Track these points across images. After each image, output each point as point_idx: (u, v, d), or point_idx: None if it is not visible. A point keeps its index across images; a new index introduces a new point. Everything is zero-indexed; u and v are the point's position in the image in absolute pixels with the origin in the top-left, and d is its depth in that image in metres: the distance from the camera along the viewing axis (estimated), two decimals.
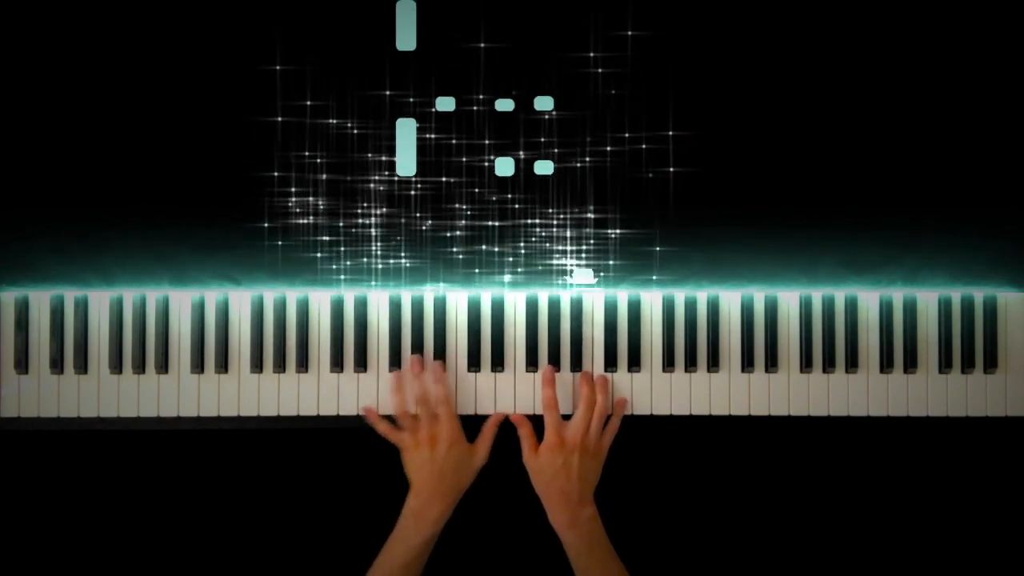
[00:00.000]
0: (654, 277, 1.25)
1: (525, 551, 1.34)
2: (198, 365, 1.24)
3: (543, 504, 1.22)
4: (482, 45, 1.23)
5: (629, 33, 1.24)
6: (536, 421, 1.24)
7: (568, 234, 1.25)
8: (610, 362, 1.26)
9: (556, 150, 1.24)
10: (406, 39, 1.24)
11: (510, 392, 1.26)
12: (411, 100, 1.23)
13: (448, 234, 1.25)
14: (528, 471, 1.23)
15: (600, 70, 1.24)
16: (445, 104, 1.24)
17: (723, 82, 1.25)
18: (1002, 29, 1.25)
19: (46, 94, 1.23)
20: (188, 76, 1.24)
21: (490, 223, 1.25)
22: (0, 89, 1.23)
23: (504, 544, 1.35)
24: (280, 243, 1.24)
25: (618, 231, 1.25)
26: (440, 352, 1.25)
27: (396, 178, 1.24)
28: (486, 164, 1.24)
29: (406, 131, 1.24)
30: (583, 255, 1.25)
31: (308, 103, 1.23)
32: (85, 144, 1.24)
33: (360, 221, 1.24)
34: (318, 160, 1.24)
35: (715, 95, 1.25)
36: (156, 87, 1.24)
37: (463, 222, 1.25)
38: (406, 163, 1.24)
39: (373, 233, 1.24)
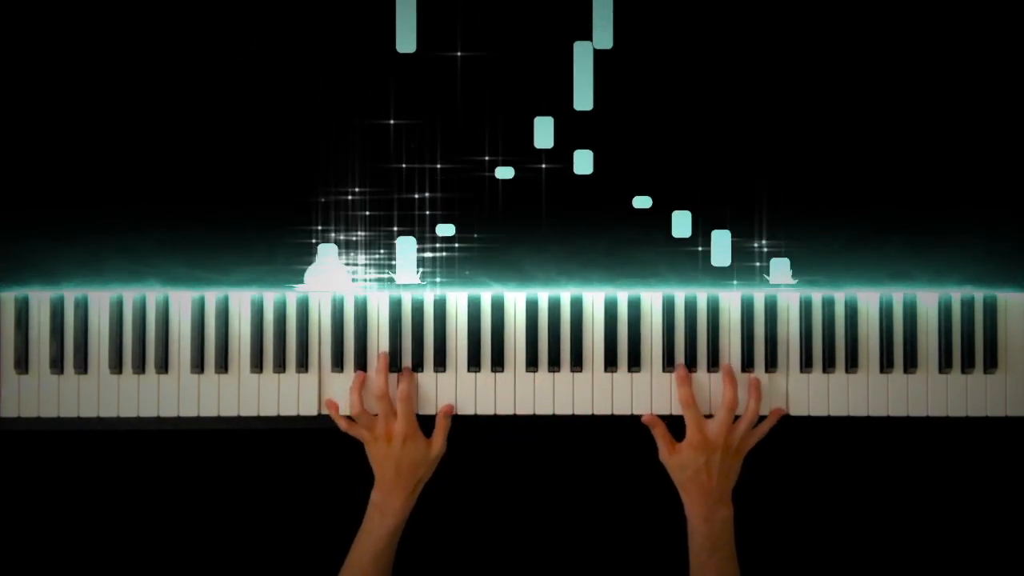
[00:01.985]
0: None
1: (520, 548, 1.34)
2: (198, 365, 1.24)
3: (680, 495, 1.23)
4: None
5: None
6: (535, 421, 1.24)
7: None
8: (610, 362, 1.26)
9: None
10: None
11: (510, 392, 1.26)
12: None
13: None
14: (666, 467, 1.24)
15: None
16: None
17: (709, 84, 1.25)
18: (998, 26, 1.25)
19: (46, 94, 1.23)
20: (185, 75, 1.24)
21: None
22: (3, 89, 1.23)
23: (497, 541, 1.35)
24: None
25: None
26: (440, 352, 1.25)
27: None
28: None
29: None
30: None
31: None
32: (85, 144, 1.23)
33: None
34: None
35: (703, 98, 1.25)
36: (156, 87, 1.24)
37: None
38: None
39: None
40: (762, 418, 1.25)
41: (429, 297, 1.26)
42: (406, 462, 1.22)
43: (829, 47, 1.25)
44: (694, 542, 1.21)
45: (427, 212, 1.24)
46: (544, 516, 1.22)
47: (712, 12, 1.24)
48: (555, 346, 1.26)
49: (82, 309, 1.24)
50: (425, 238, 1.24)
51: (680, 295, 1.26)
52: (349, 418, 1.25)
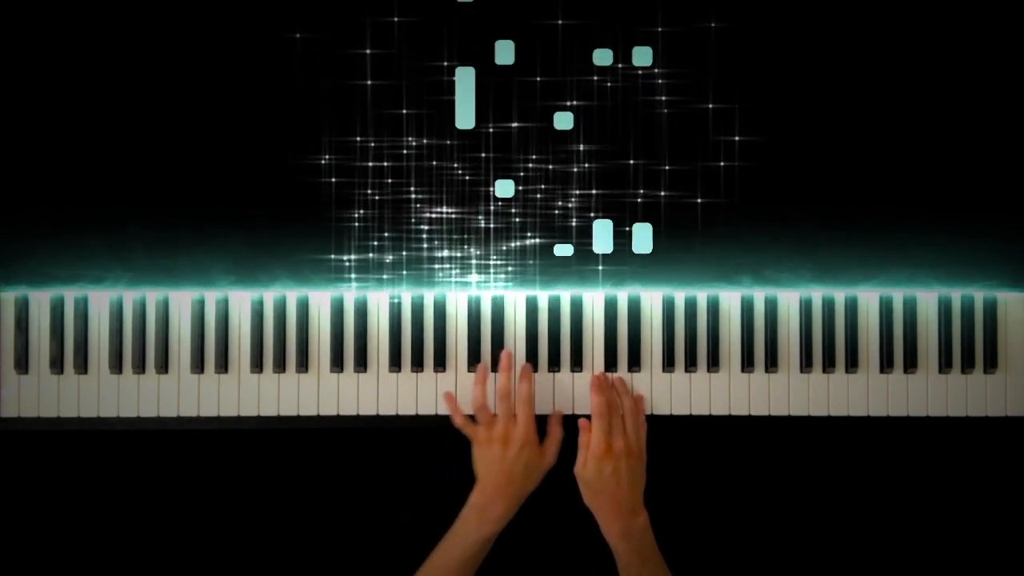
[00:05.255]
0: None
1: (521, 549, 1.34)
2: (198, 365, 1.24)
3: (595, 515, 1.19)
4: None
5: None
6: (536, 421, 1.24)
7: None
8: (610, 362, 1.26)
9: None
10: None
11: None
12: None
13: None
14: (578, 480, 1.21)
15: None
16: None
17: (722, 83, 1.25)
18: (999, 27, 1.25)
19: (47, 93, 1.23)
20: (187, 73, 1.24)
21: None
22: (1, 89, 1.23)
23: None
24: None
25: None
26: (440, 352, 1.25)
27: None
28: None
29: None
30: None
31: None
32: (85, 144, 1.24)
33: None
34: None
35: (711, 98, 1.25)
36: (158, 80, 1.24)
37: None
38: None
39: None
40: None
41: (429, 297, 1.26)
42: (519, 469, 1.18)
43: (816, 45, 1.25)
44: (621, 562, 1.18)
45: None
46: (544, 516, 1.22)
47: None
48: (555, 346, 1.26)
49: (82, 309, 1.24)
50: None
51: (680, 295, 1.26)
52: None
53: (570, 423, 1.23)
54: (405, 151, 1.23)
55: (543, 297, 1.26)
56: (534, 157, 1.23)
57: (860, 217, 1.26)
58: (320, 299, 1.26)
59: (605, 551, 1.19)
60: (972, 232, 1.26)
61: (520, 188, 1.24)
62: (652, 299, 1.26)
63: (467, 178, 1.23)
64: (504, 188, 1.24)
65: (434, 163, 1.23)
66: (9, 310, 1.24)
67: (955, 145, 1.26)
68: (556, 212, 1.24)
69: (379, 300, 1.26)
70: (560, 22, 1.22)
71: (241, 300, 1.25)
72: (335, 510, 1.35)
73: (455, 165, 1.23)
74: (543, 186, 1.24)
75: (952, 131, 1.26)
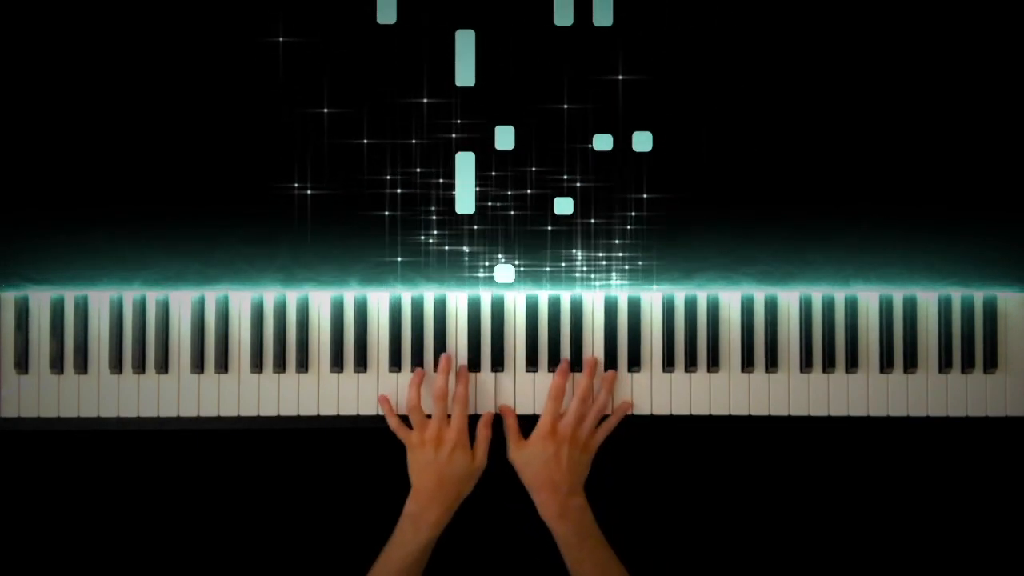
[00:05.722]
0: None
1: (516, 549, 1.34)
2: (198, 365, 1.24)
3: (532, 496, 1.21)
4: None
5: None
6: (536, 421, 1.24)
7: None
8: (610, 362, 1.26)
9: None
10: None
11: (510, 392, 1.26)
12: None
13: None
14: (514, 465, 1.22)
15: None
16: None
17: (715, 80, 1.25)
18: (1001, 28, 1.25)
19: (47, 93, 1.23)
20: (187, 69, 1.24)
21: None
22: (1, 89, 1.23)
23: (494, 543, 1.35)
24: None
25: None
26: (440, 352, 1.25)
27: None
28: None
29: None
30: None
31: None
32: (86, 144, 1.24)
33: None
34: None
35: (707, 91, 1.25)
36: (157, 80, 1.24)
37: None
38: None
39: None
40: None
41: (429, 297, 1.26)
42: (449, 473, 1.19)
43: (809, 42, 1.25)
44: (560, 541, 1.19)
45: None
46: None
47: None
48: (555, 346, 1.26)
49: (82, 309, 1.24)
50: None
51: (680, 295, 1.26)
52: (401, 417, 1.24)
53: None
54: (408, 236, 1.24)
55: (543, 297, 1.26)
56: (534, 242, 1.24)
57: (860, 217, 1.26)
58: (320, 299, 1.26)
59: (547, 540, 1.20)
60: (972, 232, 1.26)
61: (520, 273, 1.25)
62: (652, 299, 1.26)
63: (467, 263, 1.23)
64: (504, 273, 1.24)
65: (434, 248, 1.24)
66: (9, 310, 1.24)
67: (955, 145, 1.26)
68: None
69: (379, 300, 1.26)
70: (560, 107, 1.22)
71: (241, 300, 1.25)
72: (335, 510, 1.35)
73: (455, 250, 1.24)
74: (543, 271, 1.24)
75: (952, 131, 1.26)
